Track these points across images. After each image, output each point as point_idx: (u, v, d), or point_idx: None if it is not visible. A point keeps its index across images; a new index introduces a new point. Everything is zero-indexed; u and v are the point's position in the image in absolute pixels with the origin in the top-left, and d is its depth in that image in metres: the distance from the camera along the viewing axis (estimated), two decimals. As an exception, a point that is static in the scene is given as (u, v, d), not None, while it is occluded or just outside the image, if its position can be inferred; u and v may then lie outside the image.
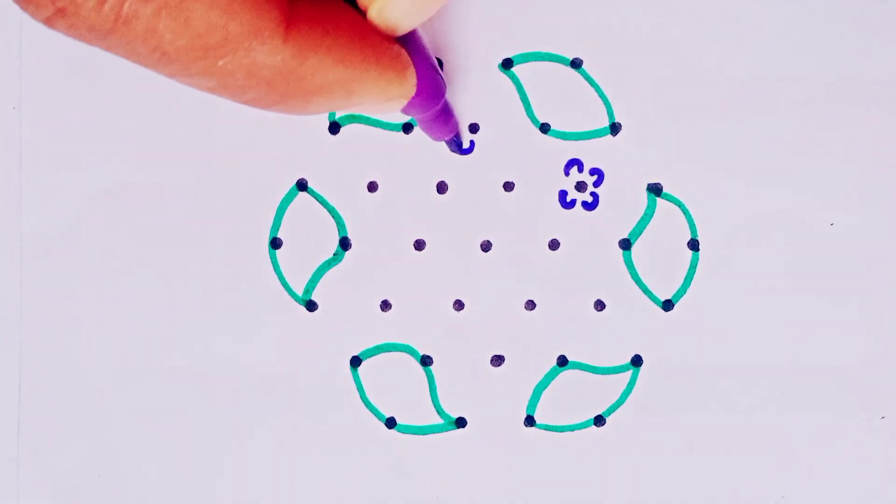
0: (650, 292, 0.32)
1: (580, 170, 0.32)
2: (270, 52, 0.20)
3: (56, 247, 0.32)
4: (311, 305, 0.32)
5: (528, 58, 0.32)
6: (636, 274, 0.32)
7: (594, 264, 0.32)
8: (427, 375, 0.32)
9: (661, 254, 0.32)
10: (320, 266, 0.32)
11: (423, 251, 0.32)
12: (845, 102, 0.32)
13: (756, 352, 0.32)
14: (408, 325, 0.32)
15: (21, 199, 0.32)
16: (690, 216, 0.32)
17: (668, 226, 0.32)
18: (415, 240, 0.32)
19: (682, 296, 0.32)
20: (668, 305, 0.32)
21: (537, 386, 0.32)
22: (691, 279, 0.32)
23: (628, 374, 0.32)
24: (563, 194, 0.32)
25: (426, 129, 0.30)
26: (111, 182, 0.32)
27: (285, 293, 0.32)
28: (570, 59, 0.32)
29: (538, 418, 0.32)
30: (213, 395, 0.32)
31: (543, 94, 0.32)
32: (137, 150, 0.32)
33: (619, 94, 0.32)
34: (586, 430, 0.32)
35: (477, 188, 0.32)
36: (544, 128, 0.32)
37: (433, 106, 0.27)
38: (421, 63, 0.25)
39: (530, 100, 0.32)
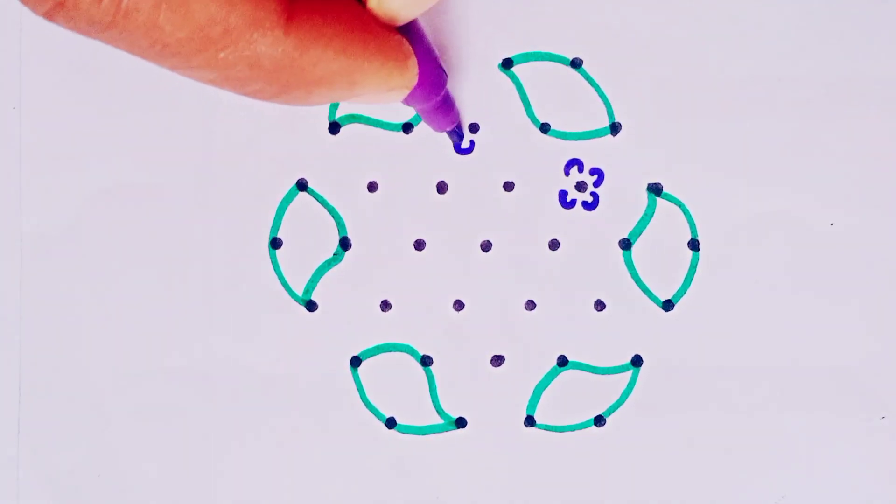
0: (650, 292, 0.32)
1: (580, 170, 0.32)
2: (271, 43, 0.20)
3: (56, 247, 0.32)
4: (311, 305, 0.32)
5: (528, 58, 0.32)
6: (636, 274, 0.32)
7: (594, 264, 0.32)
8: (427, 375, 0.32)
9: (661, 254, 0.32)
10: (320, 266, 0.32)
11: (423, 251, 0.32)
12: (845, 102, 0.32)
13: (756, 352, 0.32)
14: (408, 325, 0.32)
15: (21, 199, 0.32)
16: (690, 216, 0.32)
17: (668, 226, 0.32)
18: (415, 240, 0.32)
19: (682, 296, 0.32)
20: (668, 305, 0.32)
21: (537, 386, 0.32)
22: (691, 279, 0.32)
23: (628, 374, 0.32)
24: (563, 194, 0.32)
25: (428, 121, 0.30)
26: (111, 182, 0.32)
27: (285, 293, 0.32)
28: (570, 58, 0.32)
29: (538, 418, 0.32)
30: (213, 395, 0.32)
31: (543, 94, 0.32)
32: (137, 150, 0.32)
33: (619, 94, 0.32)
34: (586, 430, 0.32)
35: (477, 188, 0.32)
36: (544, 128, 0.32)
37: (435, 96, 0.27)
38: (422, 53, 0.25)
39: (530, 100, 0.32)
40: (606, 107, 0.32)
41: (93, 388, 0.32)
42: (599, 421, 0.32)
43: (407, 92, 0.25)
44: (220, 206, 0.32)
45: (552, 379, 0.32)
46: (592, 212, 0.32)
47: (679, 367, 0.32)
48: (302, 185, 0.32)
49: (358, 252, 0.32)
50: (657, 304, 0.32)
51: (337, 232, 0.32)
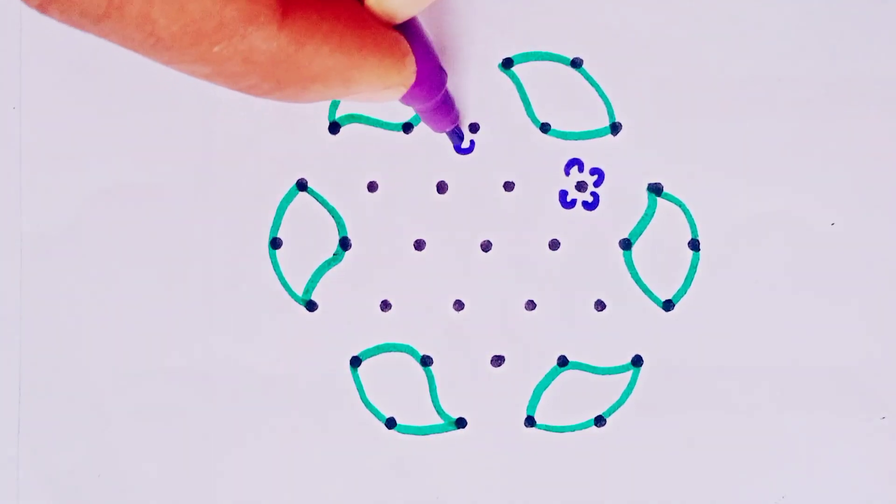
0: (650, 292, 0.32)
1: (580, 169, 0.32)
2: (266, 38, 0.20)
3: (56, 247, 0.32)
4: (311, 305, 0.32)
5: (528, 57, 0.32)
6: (636, 274, 0.32)
7: (594, 264, 0.32)
8: (427, 375, 0.32)
9: (661, 254, 0.32)
10: (320, 266, 0.32)
11: (423, 251, 0.32)
12: (845, 102, 0.32)
13: (756, 352, 0.32)
14: (408, 325, 0.32)
15: (21, 199, 0.32)
16: (691, 216, 0.32)
17: (668, 226, 0.32)
18: (415, 240, 0.32)
19: (682, 296, 0.32)
20: (668, 305, 0.32)
21: (537, 386, 0.32)
22: (692, 279, 0.32)
23: (629, 374, 0.32)
24: (563, 194, 0.32)
25: (427, 121, 0.30)
26: (111, 182, 0.32)
27: (285, 293, 0.32)
28: (571, 58, 0.32)
29: (538, 419, 0.32)
30: (213, 395, 0.32)
31: (543, 94, 0.32)
32: (137, 150, 0.32)
33: (620, 94, 0.32)
34: (587, 430, 0.32)
35: (477, 188, 0.32)
36: (544, 127, 0.32)
37: (434, 95, 0.27)
38: (421, 51, 0.24)
39: (530, 99, 0.32)
40: (606, 107, 0.32)
41: (93, 388, 0.32)
42: (600, 421, 0.32)
43: (404, 90, 0.25)
44: (220, 206, 0.32)
45: (552, 379, 0.32)
46: (593, 212, 0.32)
47: (679, 367, 0.32)
48: (302, 185, 0.32)
49: (358, 252, 0.32)
50: (657, 304, 0.32)
51: (337, 232, 0.32)
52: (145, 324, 0.32)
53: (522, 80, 0.32)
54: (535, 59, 0.32)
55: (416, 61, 0.24)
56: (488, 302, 0.32)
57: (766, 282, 0.32)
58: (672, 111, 0.32)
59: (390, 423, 0.32)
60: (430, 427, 0.32)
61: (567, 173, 0.32)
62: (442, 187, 0.32)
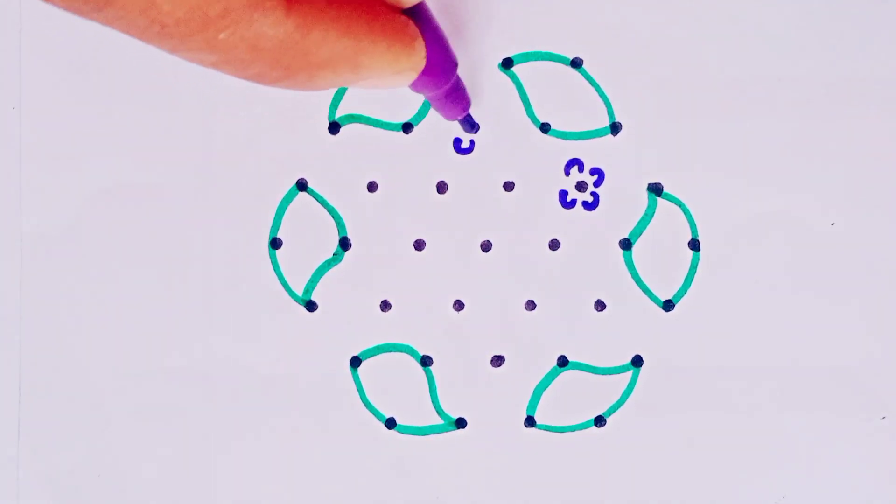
0: (650, 292, 0.32)
1: (580, 170, 0.32)
2: (273, 24, 0.20)
3: (56, 247, 0.32)
4: (311, 305, 0.32)
5: (528, 57, 0.32)
6: (636, 274, 0.32)
7: (594, 264, 0.32)
8: (427, 376, 0.32)
9: (661, 254, 0.32)
10: (320, 266, 0.32)
11: (423, 251, 0.32)
12: (845, 102, 0.32)
13: (756, 352, 0.32)
14: (408, 325, 0.32)
15: (21, 199, 0.32)
16: (691, 216, 0.32)
17: (668, 226, 0.32)
18: (415, 240, 0.32)
19: (682, 296, 0.32)
20: (668, 305, 0.32)
21: (537, 386, 0.32)
22: (692, 279, 0.32)
23: (629, 374, 0.32)
24: (563, 194, 0.32)
25: (439, 109, 0.30)
26: (111, 182, 0.32)
27: (285, 293, 0.32)
28: (571, 58, 0.32)
29: (538, 419, 0.32)
30: (213, 395, 0.32)
31: (543, 94, 0.32)
32: (137, 150, 0.32)
33: (619, 94, 0.32)
34: (587, 430, 0.32)
35: (477, 188, 0.32)
36: (544, 127, 0.32)
37: (445, 82, 0.26)
38: (430, 36, 0.24)
39: (530, 99, 0.32)
40: (606, 107, 0.32)
41: (93, 388, 0.32)
42: (600, 421, 0.32)
43: (415, 76, 0.24)
44: (220, 206, 0.32)
45: (552, 379, 0.32)
46: (593, 212, 0.32)
47: (679, 368, 0.32)
48: (302, 185, 0.32)
49: (358, 252, 0.32)
50: (657, 305, 0.32)
51: (337, 232, 0.32)
52: (145, 324, 0.32)
53: (522, 80, 0.32)
54: (535, 59, 0.32)
55: (426, 46, 0.24)
56: (488, 302, 0.32)
57: (766, 282, 0.32)
58: (672, 111, 0.32)
59: (390, 424, 0.32)
60: (430, 427, 0.32)
61: (567, 173, 0.32)
62: (442, 187, 0.32)
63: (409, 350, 0.32)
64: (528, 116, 0.32)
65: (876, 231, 0.32)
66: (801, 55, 0.32)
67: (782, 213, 0.32)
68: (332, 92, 0.32)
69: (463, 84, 0.29)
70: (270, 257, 0.32)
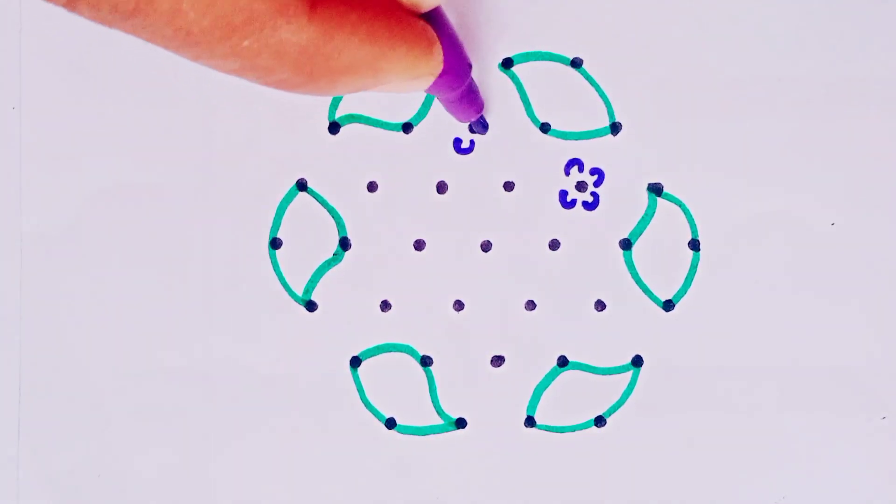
0: (651, 292, 0.32)
1: (580, 169, 0.32)
2: (296, 30, 0.20)
3: (56, 247, 0.32)
4: (311, 305, 0.32)
5: (528, 57, 0.32)
6: (636, 274, 0.32)
7: (594, 264, 0.32)
8: (427, 376, 0.32)
9: (661, 254, 0.32)
10: (320, 266, 0.32)
11: (423, 251, 0.32)
12: (845, 102, 0.32)
13: (756, 352, 0.32)
14: (408, 325, 0.32)
15: (21, 199, 0.32)
16: (691, 216, 0.32)
17: (668, 226, 0.32)
18: (415, 240, 0.32)
19: (682, 296, 0.32)
20: (668, 305, 0.32)
21: (537, 386, 0.32)
22: (692, 279, 0.32)
23: (629, 374, 0.32)
24: (563, 194, 0.32)
25: (452, 111, 0.30)
26: (111, 182, 0.32)
27: (285, 293, 0.32)
28: (571, 58, 0.32)
29: (538, 419, 0.32)
30: (213, 395, 0.32)
31: (543, 94, 0.32)
32: (137, 150, 0.32)
33: (619, 94, 0.32)
34: (587, 430, 0.32)
35: (477, 188, 0.32)
36: (544, 127, 0.32)
37: (460, 84, 0.27)
38: (447, 40, 0.24)
39: (530, 99, 0.32)
40: (606, 107, 0.32)
41: (93, 388, 0.32)
42: (600, 421, 0.32)
43: (432, 80, 0.24)
44: (220, 206, 0.32)
45: (552, 379, 0.32)
46: (593, 212, 0.32)
47: (679, 368, 0.32)
48: (302, 185, 0.32)
49: (358, 252, 0.32)
50: (657, 305, 0.32)
51: (337, 232, 0.32)
52: (145, 324, 0.32)
53: (522, 80, 0.32)
54: (535, 59, 0.32)
55: (443, 50, 0.24)
56: (488, 302, 0.32)
57: (767, 282, 0.32)
58: (672, 111, 0.32)
59: (390, 424, 0.32)
60: (430, 427, 0.32)
61: (567, 173, 0.32)
62: (442, 187, 0.32)
63: (409, 350, 0.32)
64: (528, 116, 0.32)
65: (876, 231, 0.32)
66: (801, 55, 0.32)
67: (782, 213, 0.32)
68: (332, 92, 0.32)
69: (476, 86, 0.30)
70: (270, 257, 0.32)
